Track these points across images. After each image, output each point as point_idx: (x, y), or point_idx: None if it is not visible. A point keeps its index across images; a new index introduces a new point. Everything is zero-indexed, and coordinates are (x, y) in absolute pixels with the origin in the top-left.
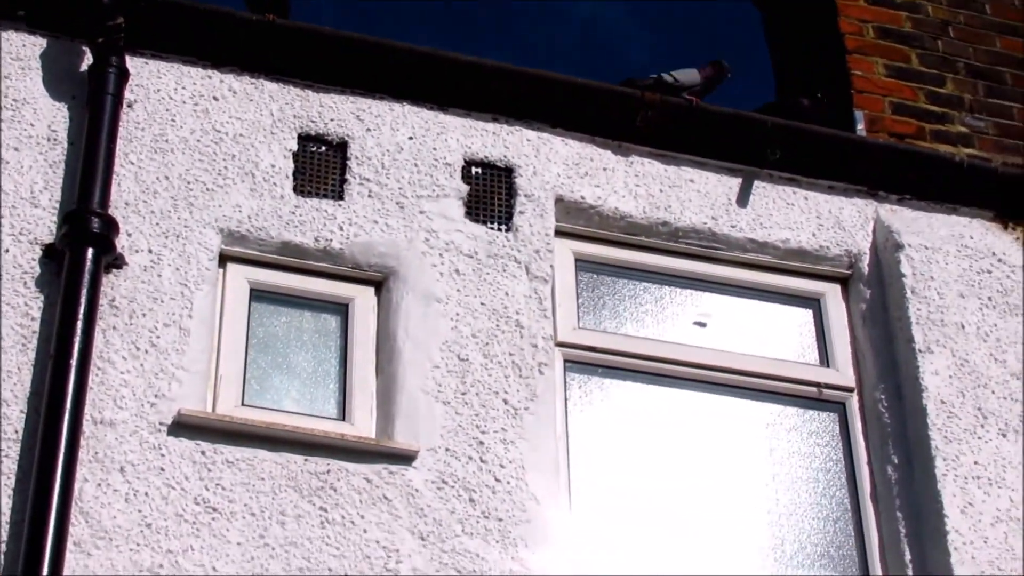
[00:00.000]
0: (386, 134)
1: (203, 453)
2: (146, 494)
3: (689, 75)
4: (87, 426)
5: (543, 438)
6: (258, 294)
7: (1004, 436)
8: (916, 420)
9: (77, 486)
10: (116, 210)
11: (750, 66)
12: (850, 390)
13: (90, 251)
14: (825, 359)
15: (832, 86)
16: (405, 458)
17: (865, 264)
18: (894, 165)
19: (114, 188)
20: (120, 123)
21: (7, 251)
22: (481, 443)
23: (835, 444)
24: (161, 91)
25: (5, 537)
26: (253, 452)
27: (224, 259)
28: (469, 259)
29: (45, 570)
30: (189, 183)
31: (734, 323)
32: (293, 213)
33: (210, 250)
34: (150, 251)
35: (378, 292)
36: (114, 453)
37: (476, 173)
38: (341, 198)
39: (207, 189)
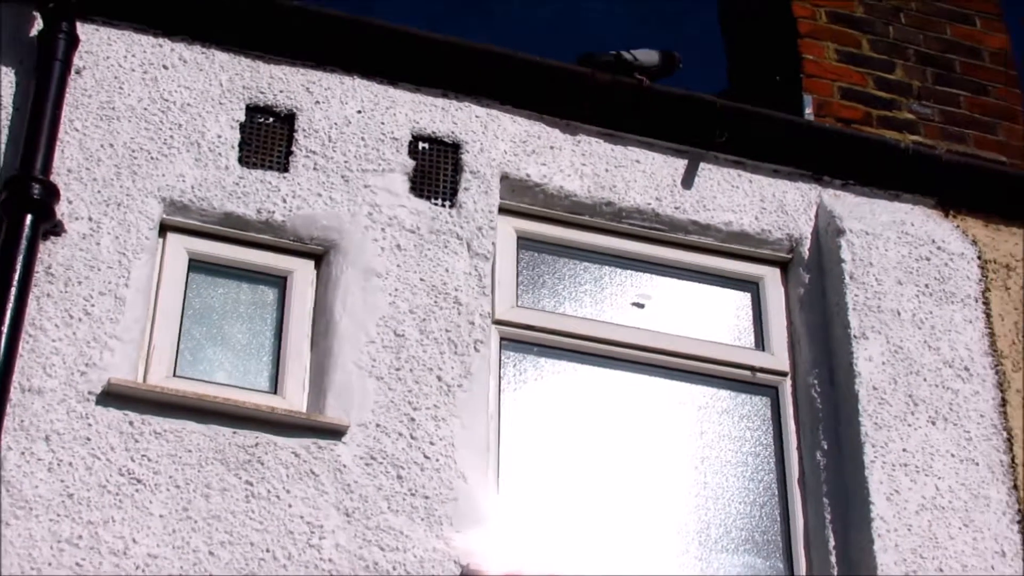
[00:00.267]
0: (335, 107)
1: (131, 424)
2: (70, 464)
3: (649, 56)
4: (14, 394)
5: (475, 416)
6: (196, 264)
7: (933, 424)
8: (848, 406)
9: (0, 454)
10: (58, 177)
11: (709, 47)
12: (784, 374)
13: (29, 217)
14: (761, 343)
15: (783, 69)
16: (335, 433)
17: (806, 249)
18: (839, 150)
19: (57, 155)
20: (68, 90)
21: None
22: (412, 420)
23: (766, 428)
24: (111, 58)
25: None
26: (182, 424)
27: (165, 228)
28: (411, 234)
29: None
30: (134, 151)
31: (673, 305)
32: (237, 184)
33: (151, 219)
34: (90, 219)
35: (318, 266)
36: (40, 422)
37: (423, 148)
38: (286, 170)
39: (151, 158)
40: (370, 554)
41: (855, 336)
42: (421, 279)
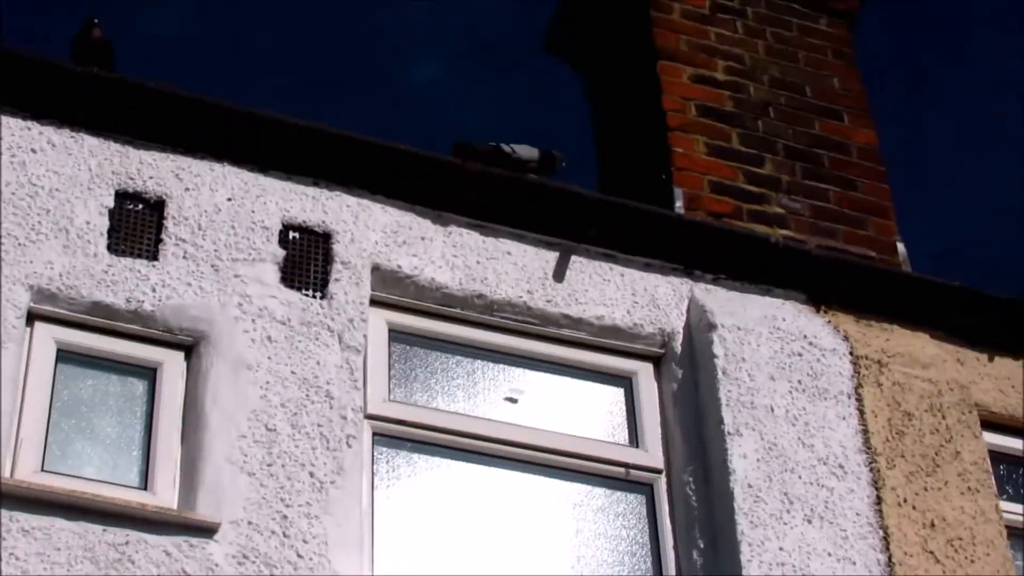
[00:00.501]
0: (205, 194)
1: None
2: None
3: (528, 151)
4: None
5: (348, 513)
6: (65, 355)
7: (809, 522)
8: (723, 504)
9: None
10: None
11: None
12: (659, 471)
13: None
14: (635, 439)
15: (654, 162)
16: (206, 531)
17: (678, 343)
18: (710, 244)
19: None
20: None
21: None
22: (285, 517)
23: (642, 527)
24: None
25: None
26: (50, 521)
27: (32, 317)
28: (282, 326)
29: None
30: (1, 237)
31: (546, 400)
32: (106, 272)
33: (18, 307)
34: None
35: (188, 357)
36: None
37: (294, 238)
38: (156, 259)
39: (19, 244)
40: None
41: (729, 433)
42: (292, 372)
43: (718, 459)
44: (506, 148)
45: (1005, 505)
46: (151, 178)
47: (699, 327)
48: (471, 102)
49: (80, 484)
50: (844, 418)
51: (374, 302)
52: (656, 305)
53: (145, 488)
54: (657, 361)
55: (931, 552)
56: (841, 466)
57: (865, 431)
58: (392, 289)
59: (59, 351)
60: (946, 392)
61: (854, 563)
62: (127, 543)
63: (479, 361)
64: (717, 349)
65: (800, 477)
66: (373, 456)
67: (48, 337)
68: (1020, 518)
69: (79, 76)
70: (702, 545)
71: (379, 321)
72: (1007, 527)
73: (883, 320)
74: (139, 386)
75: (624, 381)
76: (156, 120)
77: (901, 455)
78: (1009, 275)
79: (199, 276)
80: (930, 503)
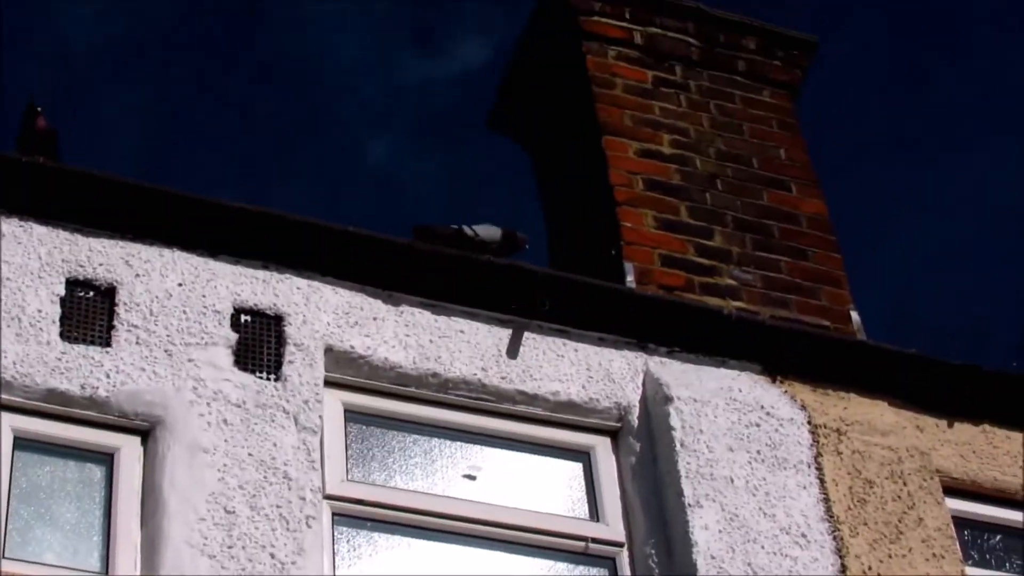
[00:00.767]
0: (155, 280)
1: None
2: None
3: (490, 231)
4: None
5: None
6: (22, 442)
7: None
8: None
9: None
10: None
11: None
12: (620, 545)
13: None
14: (595, 513)
15: (603, 237)
16: None
17: (635, 417)
18: (663, 317)
19: None
20: None
21: None
22: None
23: None
24: None
25: None
26: None
27: None
28: (237, 409)
29: None
30: None
31: (504, 476)
32: (59, 360)
33: None
34: None
35: (144, 442)
36: None
37: (245, 321)
38: (108, 345)
39: None
40: None
41: (689, 504)
42: (249, 454)
43: (680, 531)
44: (468, 231)
45: (971, 571)
46: (101, 265)
47: (655, 400)
48: (426, 180)
49: (41, 570)
50: (805, 487)
51: (328, 383)
52: (611, 379)
53: (106, 573)
54: (614, 435)
55: None
56: (804, 535)
57: (827, 500)
58: (346, 370)
59: (16, 439)
60: (906, 459)
61: None
62: None
63: (436, 439)
64: (674, 421)
65: (763, 547)
66: (333, 536)
67: (4, 425)
68: None
69: (25, 166)
70: None
71: (334, 402)
72: None
73: (840, 388)
74: (97, 472)
75: (582, 456)
76: (104, 208)
77: (864, 523)
78: (966, 339)
79: (152, 361)
80: (895, 570)
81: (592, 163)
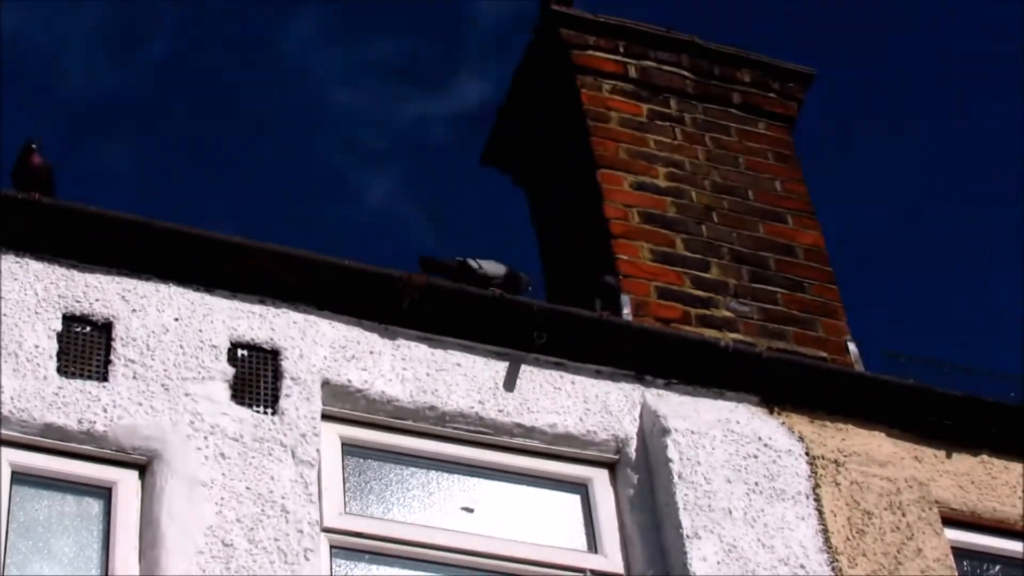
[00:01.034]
0: (152, 315)
1: None
2: None
3: (495, 267)
4: None
5: None
6: (19, 477)
7: None
8: None
9: None
10: None
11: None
12: None
13: None
14: (593, 545)
15: (599, 270)
16: None
17: (632, 449)
18: (660, 350)
19: None
20: None
21: None
22: None
23: None
24: None
25: None
26: None
27: None
28: (234, 443)
29: None
30: None
31: (502, 509)
32: (57, 395)
33: None
34: None
35: (142, 476)
36: None
37: (242, 355)
38: (105, 380)
39: None
40: None
41: (687, 536)
42: (247, 487)
43: (678, 562)
44: (473, 263)
45: None
46: (97, 300)
47: (652, 432)
48: (425, 218)
49: None
50: (803, 518)
51: (326, 416)
52: (608, 411)
53: None
54: (612, 467)
55: None
56: (803, 566)
57: (825, 531)
58: (343, 403)
59: (14, 473)
60: (905, 490)
61: None
62: None
63: (434, 472)
64: (672, 453)
65: None
66: (331, 569)
67: (2, 460)
68: None
69: (21, 203)
70: None
71: (332, 435)
72: None
73: (838, 419)
74: (95, 506)
75: (580, 488)
76: (100, 243)
77: (863, 554)
78: (963, 370)
79: (150, 396)
80: None
81: (587, 196)
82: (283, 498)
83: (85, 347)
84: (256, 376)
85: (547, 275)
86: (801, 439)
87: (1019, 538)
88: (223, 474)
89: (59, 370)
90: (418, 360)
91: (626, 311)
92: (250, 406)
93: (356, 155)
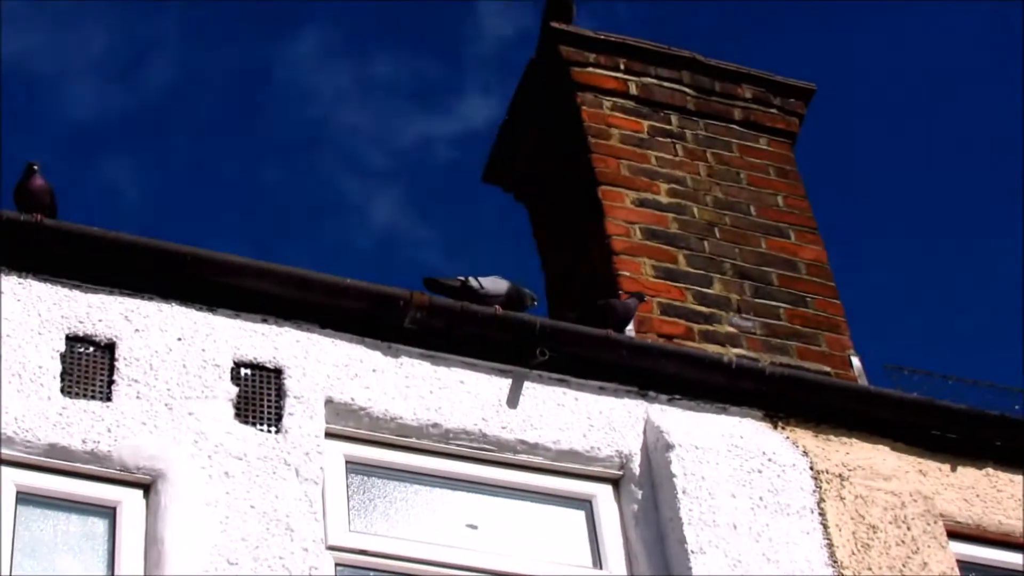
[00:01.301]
0: (154, 335)
1: None
2: None
3: (496, 284)
4: None
5: None
6: (24, 497)
7: None
8: None
9: None
10: None
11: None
12: None
13: None
14: (598, 561)
15: (601, 286)
16: None
17: (636, 464)
18: (663, 366)
19: None
20: None
21: None
22: None
23: None
24: None
25: None
26: None
27: None
28: (238, 461)
29: None
30: None
31: (506, 525)
32: (60, 415)
33: None
34: None
35: (146, 495)
36: None
37: (245, 374)
38: (109, 399)
39: None
40: None
41: (692, 551)
42: (251, 506)
43: None
44: (474, 282)
45: None
46: (100, 321)
47: (656, 447)
48: (430, 237)
49: None
50: (808, 533)
51: (329, 435)
52: (612, 427)
53: None
54: (616, 483)
55: None
56: None
57: (830, 545)
58: (346, 421)
59: (18, 494)
60: (909, 503)
61: None
62: None
63: (438, 489)
64: (676, 468)
65: None
66: None
67: (7, 480)
68: None
69: (23, 225)
70: None
71: (335, 453)
72: None
73: (841, 434)
74: (100, 525)
75: (584, 504)
76: (102, 264)
77: (868, 568)
78: (967, 383)
79: (153, 415)
80: None
81: (589, 213)
82: (287, 516)
83: (88, 367)
84: (259, 395)
85: (549, 292)
86: (805, 453)
87: None
88: (227, 493)
89: (63, 390)
90: (421, 378)
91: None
92: (253, 425)
93: (360, 174)
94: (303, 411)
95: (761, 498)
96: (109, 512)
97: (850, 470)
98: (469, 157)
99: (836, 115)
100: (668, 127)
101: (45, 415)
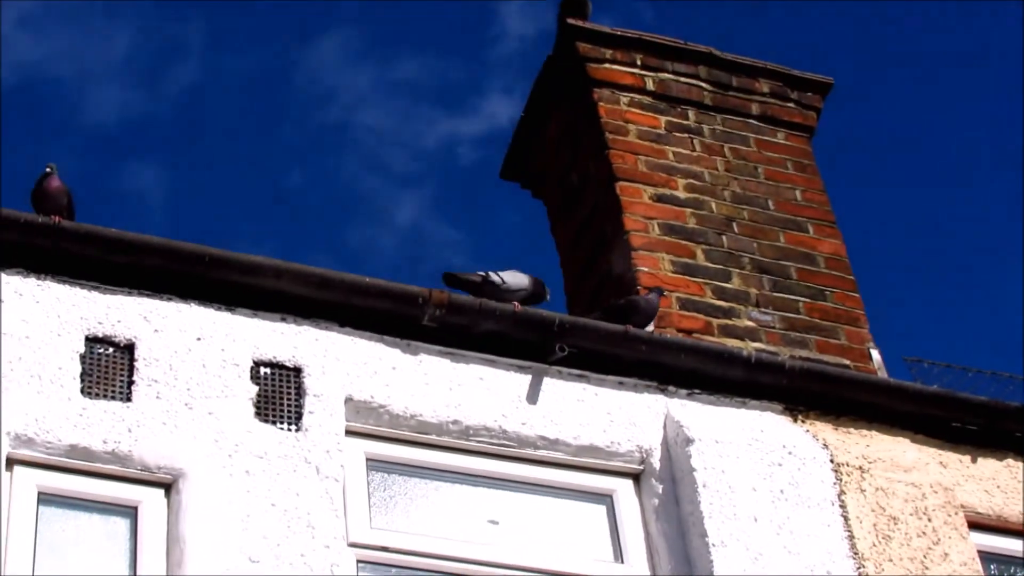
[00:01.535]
0: (174, 335)
1: None
2: None
3: (517, 279)
4: None
5: None
6: (46, 498)
7: None
8: None
9: None
10: None
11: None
12: None
13: None
14: (619, 556)
15: (620, 282)
16: None
17: (657, 459)
18: (683, 360)
19: None
20: None
21: None
22: None
23: None
24: None
25: None
26: None
27: (11, 462)
28: (259, 460)
29: None
30: None
31: (527, 521)
32: (81, 415)
33: None
34: None
35: (168, 494)
36: None
37: (265, 373)
38: (129, 400)
39: None
40: None
41: (713, 544)
42: (272, 504)
43: (704, 571)
44: (495, 277)
45: None
46: (119, 321)
47: (677, 442)
48: (454, 236)
49: None
50: (829, 525)
51: (349, 432)
52: (632, 422)
53: None
54: (636, 477)
55: None
56: (829, 573)
57: (851, 537)
58: (366, 419)
59: (40, 494)
60: (930, 495)
61: None
62: None
63: (458, 486)
64: (696, 462)
65: None
66: None
67: (28, 481)
68: None
69: (41, 227)
70: None
71: (356, 451)
72: None
73: (861, 426)
74: (121, 525)
75: (605, 499)
76: (120, 265)
77: (889, 559)
78: (987, 374)
79: (173, 415)
80: None
81: (607, 209)
82: (308, 514)
83: (108, 368)
84: (279, 394)
85: (568, 288)
86: (825, 446)
87: None
88: (248, 491)
89: (83, 391)
90: (440, 375)
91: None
92: (274, 423)
93: (385, 176)
94: (323, 409)
95: (782, 491)
96: (131, 512)
97: (870, 462)
98: (493, 157)
99: (854, 108)
100: (685, 122)
101: (65, 416)
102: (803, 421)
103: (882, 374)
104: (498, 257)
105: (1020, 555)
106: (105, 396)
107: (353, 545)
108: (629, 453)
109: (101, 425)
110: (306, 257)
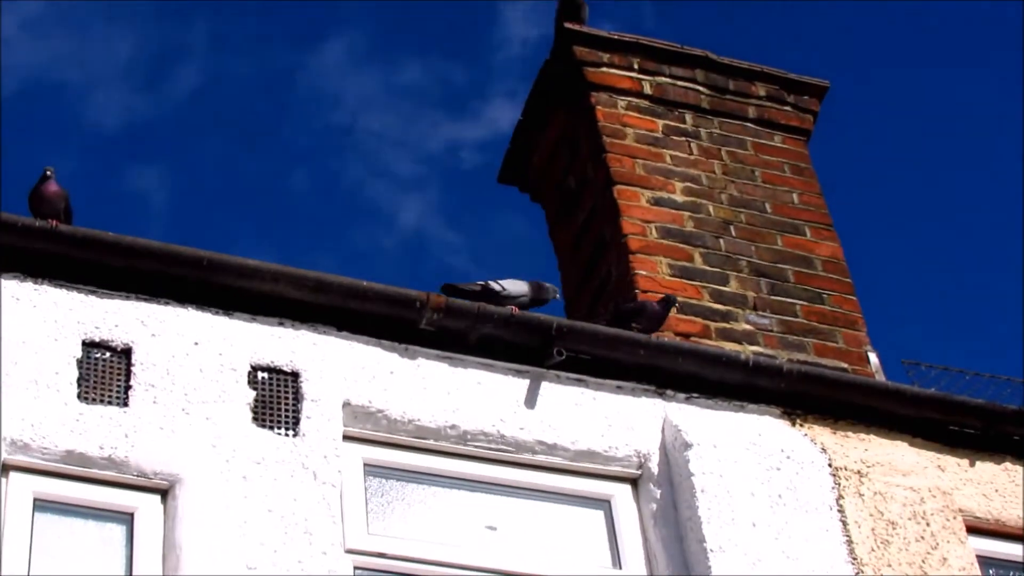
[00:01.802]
0: (171, 340)
1: None
2: None
3: (517, 286)
4: None
5: None
6: (42, 504)
7: None
8: None
9: None
10: None
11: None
12: None
13: None
14: (617, 561)
15: (617, 285)
16: None
17: (655, 463)
18: (680, 364)
19: None
20: None
21: None
22: None
23: None
24: None
25: None
26: None
27: (7, 468)
28: (256, 465)
29: None
30: None
31: (525, 526)
32: (77, 421)
33: None
34: None
35: (164, 500)
36: None
37: (262, 378)
38: (126, 405)
39: None
40: None
41: (711, 550)
42: (269, 510)
43: None
44: (496, 285)
45: None
46: (116, 326)
47: (675, 446)
48: (457, 241)
49: None
50: (827, 530)
51: (347, 437)
52: (630, 427)
53: None
54: (634, 482)
55: None
56: None
57: (850, 542)
58: (364, 424)
59: (36, 500)
60: (928, 499)
61: None
62: None
63: (456, 491)
64: (694, 467)
65: None
66: None
67: (23, 487)
68: None
69: (38, 231)
70: None
71: (353, 456)
72: None
73: (860, 430)
74: (117, 531)
75: (602, 504)
76: (117, 269)
77: (888, 564)
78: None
79: (170, 420)
80: None
81: (604, 212)
82: (306, 520)
83: (105, 373)
84: (276, 398)
85: (566, 291)
86: (824, 450)
87: None
88: (245, 497)
89: (79, 396)
90: (438, 379)
91: None
92: (271, 428)
93: (387, 180)
94: (320, 414)
95: (780, 496)
96: (127, 518)
97: (869, 466)
98: (495, 161)
99: (850, 112)
100: (683, 126)
101: (62, 421)
102: (801, 425)
103: (880, 377)
104: (499, 262)
105: (1019, 559)
106: (102, 401)
107: (350, 551)
108: (627, 457)
109: (98, 430)
110: (309, 260)
